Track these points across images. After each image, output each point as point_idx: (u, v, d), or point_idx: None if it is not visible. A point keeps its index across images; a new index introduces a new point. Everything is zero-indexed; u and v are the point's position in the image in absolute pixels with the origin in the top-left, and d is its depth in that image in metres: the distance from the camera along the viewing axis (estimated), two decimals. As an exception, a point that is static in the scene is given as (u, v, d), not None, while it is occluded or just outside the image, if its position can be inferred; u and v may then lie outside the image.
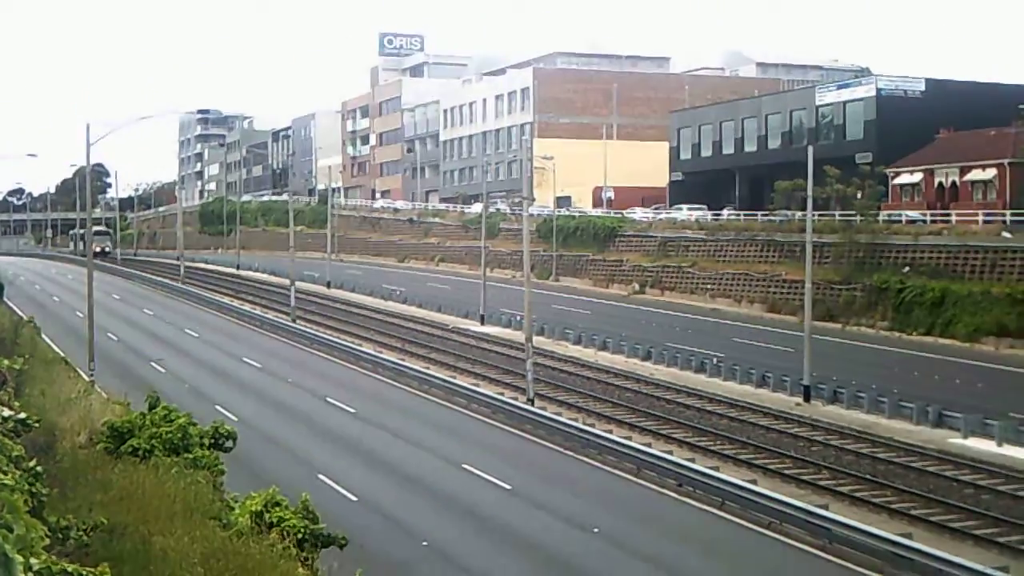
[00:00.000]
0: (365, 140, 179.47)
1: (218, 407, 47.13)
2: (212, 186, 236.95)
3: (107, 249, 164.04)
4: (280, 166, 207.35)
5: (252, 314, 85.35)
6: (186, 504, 21.98)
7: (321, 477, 36.07)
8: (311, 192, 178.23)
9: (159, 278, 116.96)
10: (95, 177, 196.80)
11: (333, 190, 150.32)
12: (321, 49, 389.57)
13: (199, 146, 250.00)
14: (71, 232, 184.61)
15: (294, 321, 79.35)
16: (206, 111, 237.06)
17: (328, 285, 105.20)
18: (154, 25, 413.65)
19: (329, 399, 51.49)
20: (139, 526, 19.43)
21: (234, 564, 18.74)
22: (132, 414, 30.50)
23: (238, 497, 24.67)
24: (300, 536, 22.24)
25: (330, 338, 70.71)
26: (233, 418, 43.22)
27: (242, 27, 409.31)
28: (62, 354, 57.74)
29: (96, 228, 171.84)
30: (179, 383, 54.76)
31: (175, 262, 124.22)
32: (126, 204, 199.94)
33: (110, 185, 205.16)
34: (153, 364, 61.52)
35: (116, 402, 37.11)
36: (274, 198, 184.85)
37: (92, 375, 50.46)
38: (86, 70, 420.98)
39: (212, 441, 29.03)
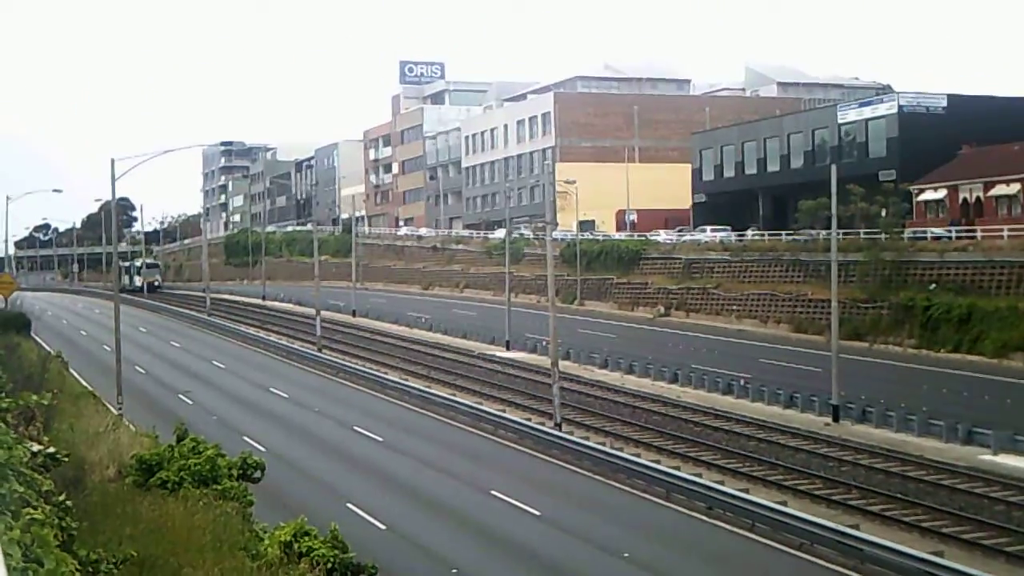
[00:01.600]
0: (388, 168, 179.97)
1: (246, 438, 47.21)
2: (237, 217, 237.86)
3: (157, 283, 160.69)
4: (304, 196, 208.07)
5: (278, 344, 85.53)
6: (215, 535, 22.02)
7: (350, 506, 36.06)
8: (335, 221, 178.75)
9: (185, 310, 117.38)
10: (120, 211, 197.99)
11: (357, 219, 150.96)
12: (343, 79, 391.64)
13: (223, 178, 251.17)
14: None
15: (320, 350, 79.46)
16: (229, 143, 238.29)
17: (353, 314, 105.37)
18: (177, 58, 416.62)
19: (356, 428, 51.51)
20: (169, 558, 19.47)
21: (264, 595, 18.77)
22: (160, 447, 30.61)
23: (267, 528, 24.69)
24: (330, 566, 22.25)
25: (356, 367, 70.78)
26: (261, 449, 43.31)
27: (264, 58, 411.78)
28: (90, 388, 58.07)
29: (145, 261, 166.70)
30: (207, 415, 54.90)
31: (201, 294, 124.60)
32: (152, 237, 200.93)
33: (136, 219, 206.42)
34: (181, 396, 61.70)
35: (144, 435, 37.23)
36: (298, 228, 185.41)
37: (120, 408, 50.62)
38: (110, 104, 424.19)
39: (240, 472, 29.10)
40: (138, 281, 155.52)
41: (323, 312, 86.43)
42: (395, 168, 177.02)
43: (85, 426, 37.12)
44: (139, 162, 56.89)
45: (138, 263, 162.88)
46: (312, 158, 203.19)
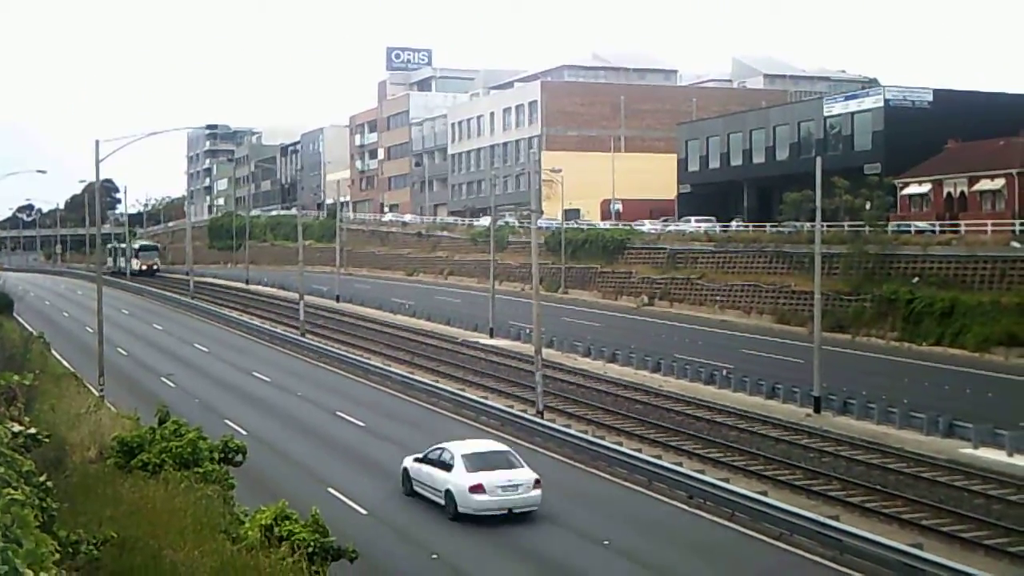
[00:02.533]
0: (373, 154, 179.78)
1: (228, 421, 47.16)
2: (221, 201, 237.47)
3: (156, 267, 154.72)
4: (289, 181, 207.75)
5: (261, 328, 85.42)
6: (196, 518, 21.99)
7: (331, 490, 36.03)
8: (319, 206, 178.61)
9: (168, 293, 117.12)
10: (104, 193, 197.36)
11: (341, 204, 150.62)
12: (329, 64, 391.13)
13: (208, 161, 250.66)
14: (110, 247, 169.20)
15: (303, 335, 79.39)
16: (215, 126, 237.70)
17: (337, 299, 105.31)
18: (162, 41, 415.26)
19: (338, 413, 51.46)
20: (149, 540, 19.44)
21: (244, 578, 18.75)
22: (142, 429, 30.55)
23: (248, 511, 24.66)
24: (310, 550, 22.23)
25: (339, 352, 70.75)
26: (243, 432, 43.26)
27: (250, 42, 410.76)
28: (72, 369, 57.99)
29: (143, 243, 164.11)
30: (189, 397, 54.80)
31: (184, 277, 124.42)
32: (135, 220, 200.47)
33: (119, 201, 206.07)
34: (163, 379, 61.58)
35: (126, 417, 37.19)
36: (283, 213, 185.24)
37: (102, 390, 50.54)
38: (95, 86, 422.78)
39: (222, 455, 29.07)
40: (136, 264, 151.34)
41: (306, 297, 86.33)
42: (380, 154, 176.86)
43: (67, 407, 37.10)
44: (124, 144, 56.75)
45: (136, 245, 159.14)
46: (297, 143, 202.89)
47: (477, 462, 34.19)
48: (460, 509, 33.25)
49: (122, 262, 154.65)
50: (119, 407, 44.14)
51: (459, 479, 33.51)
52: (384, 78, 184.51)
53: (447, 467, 34.37)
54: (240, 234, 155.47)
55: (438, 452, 35.37)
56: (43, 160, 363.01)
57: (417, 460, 36.17)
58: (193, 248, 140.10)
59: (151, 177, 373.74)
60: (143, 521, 20.86)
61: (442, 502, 34.03)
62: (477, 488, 33.01)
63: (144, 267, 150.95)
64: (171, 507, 22.50)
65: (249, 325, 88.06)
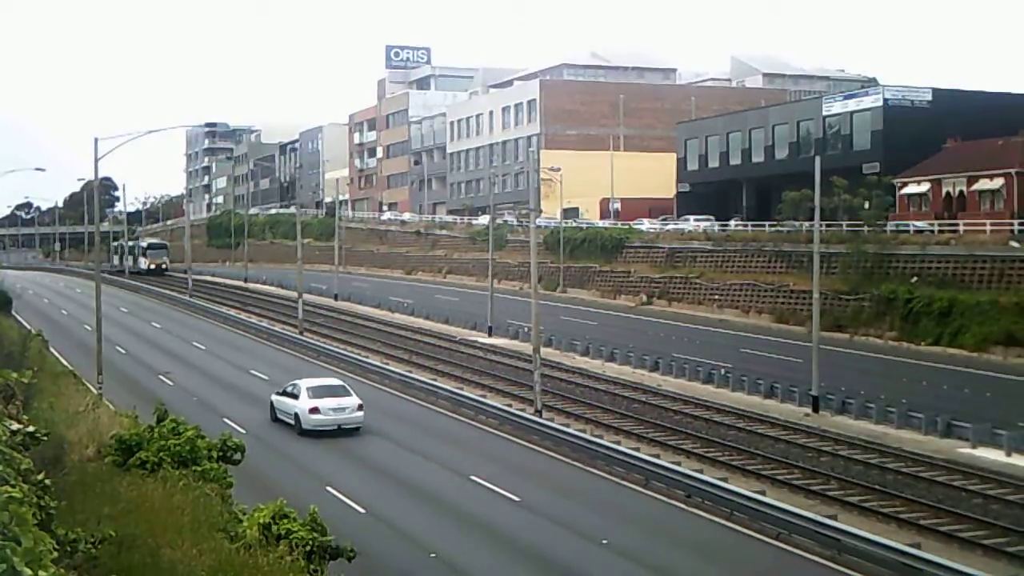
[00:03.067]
0: (372, 152, 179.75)
1: (226, 419, 47.14)
2: (220, 199, 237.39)
3: (164, 266, 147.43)
4: (288, 179, 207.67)
5: (259, 327, 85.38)
6: (194, 516, 21.98)
7: (329, 489, 36.03)
8: (318, 205, 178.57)
9: (167, 291, 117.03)
10: (103, 191, 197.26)
11: (340, 202, 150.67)
12: (328, 62, 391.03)
13: (207, 159, 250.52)
14: (117, 244, 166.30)
15: (301, 333, 79.37)
16: (213, 124, 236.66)
17: (336, 297, 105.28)
18: (161, 38, 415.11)
19: (337, 411, 51.36)
20: (147, 539, 19.43)
21: (242, 576, 18.75)
22: (140, 427, 30.54)
23: (246, 509, 24.65)
24: (308, 548, 22.22)
25: (337, 350, 70.72)
26: (241, 431, 43.25)
27: (250, 40, 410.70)
28: (70, 367, 57.91)
29: (151, 241, 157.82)
30: (187, 396, 54.76)
31: (183, 275, 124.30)
32: (134, 218, 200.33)
33: (118, 199, 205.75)
34: (161, 377, 61.55)
35: (124, 415, 37.14)
36: (282, 211, 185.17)
37: (100, 388, 50.49)
38: (94, 84, 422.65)
39: (220, 454, 29.06)
40: (143, 263, 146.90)
41: (305, 295, 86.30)
42: (379, 152, 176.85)
43: (65, 405, 37.05)
44: (122, 142, 56.74)
45: (143, 243, 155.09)
46: (296, 141, 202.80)
47: (317, 392, 46.45)
48: (304, 426, 45.26)
49: (129, 261, 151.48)
50: (117, 405, 44.09)
51: (302, 404, 45.81)
52: (383, 76, 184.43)
53: (295, 396, 46.48)
54: (239, 232, 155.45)
55: (291, 387, 47.71)
56: (42, 158, 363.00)
57: (277, 394, 48.28)
58: (192, 246, 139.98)
59: (150, 175, 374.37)
60: (141, 519, 20.85)
61: (292, 423, 46.06)
62: (314, 410, 45.43)
63: (153, 266, 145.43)
64: (169, 505, 22.49)
65: (248, 323, 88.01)
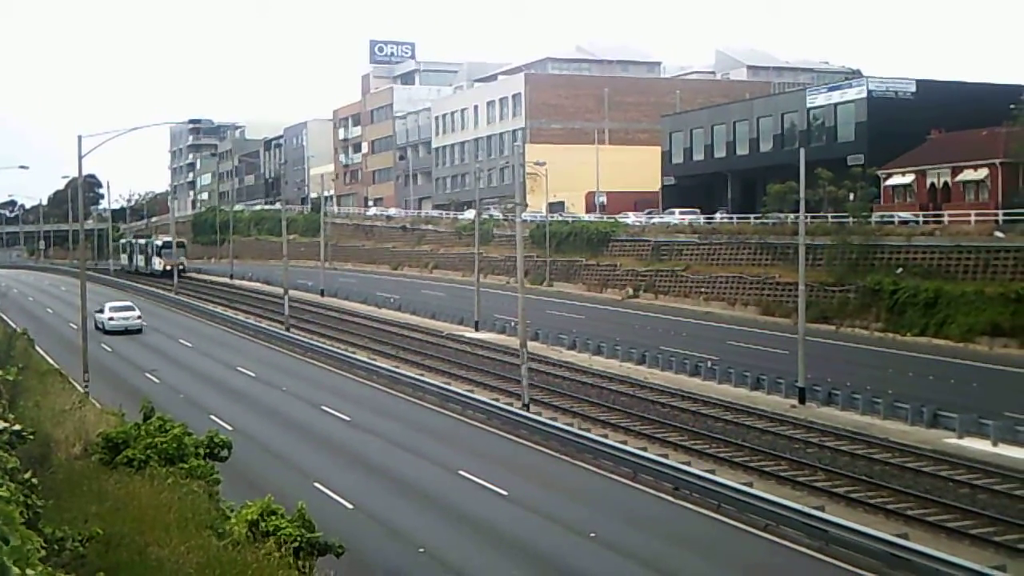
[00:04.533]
0: (357, 148, 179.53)
1: (213, 417, 47.07)
2: (204, 196, 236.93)
3: (183, 266, 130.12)
4: (272, 175, 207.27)
5: (246, 323, 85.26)
6: (182, 514, 21.94)
7: (317, 485, 36.01)
8: (304, 201, 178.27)
9: (152, 288, 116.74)
10: (87, 188, 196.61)
11: (326, 198, 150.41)
12: (312, 58, 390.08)
13: (191, 156, 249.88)
14: (126, 242, 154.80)
15: (288, 330, 79.26)
16: (197, 121, 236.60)
17: (322, 293, 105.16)
18: (145, 35, 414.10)
19: (324, 407, 51.43)
20: (135, 536, 19.40)
21: (230, 573, 18.71)
22: (127, 425, 30.48)
23: (234, 506, 24.62)
24: (297, 545, 22.19)
25: (324, 346, 70.65)
26: (228, 427, 43.21)
27: (233, 37, 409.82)
28: (56, 366, 57.75)
29: (166, 239, 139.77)
30: (173, 393, 54.68)
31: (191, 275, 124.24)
32: (118, 215, 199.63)
33: (102, 196, 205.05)
34: (147, 375, 61.44)
35: (111, 413, 37.09)
36: (267, 207, 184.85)
37: (86, 386, 50.37)
38: (77, 81, 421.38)
39: (207, 451, 29.01)
40: (157, 264, 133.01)
41: (291, 291, 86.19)
42: (364, 148, 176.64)
43: (51, 404, 36.94)
44: (106, 139, 56.45)
45: (158, 242, 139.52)
46: (281, 137, 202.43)
47: (114, 309, 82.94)
48: (106, 328, 79.33)
49: (139, 261, 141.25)
50: (104, 403, 44.03)
51: (105, 316, 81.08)
52: (367, 71, 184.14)
53: (102, 312, 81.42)
54: (224, 229, 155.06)
55: (100, 307, 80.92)
56: (26, 155, 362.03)
57: (96, 312, 77.80)
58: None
59: (134, 172, 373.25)
60: (128, 517, 20.81)
61: (100, 327, 78.51)
62: (111, 319, 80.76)
63: (169, 267, 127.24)
64: (156, 503, 22.44)
65: (234, 320, 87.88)
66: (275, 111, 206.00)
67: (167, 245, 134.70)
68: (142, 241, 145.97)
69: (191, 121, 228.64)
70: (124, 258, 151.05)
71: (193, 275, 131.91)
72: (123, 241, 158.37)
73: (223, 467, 29.08)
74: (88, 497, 22.30)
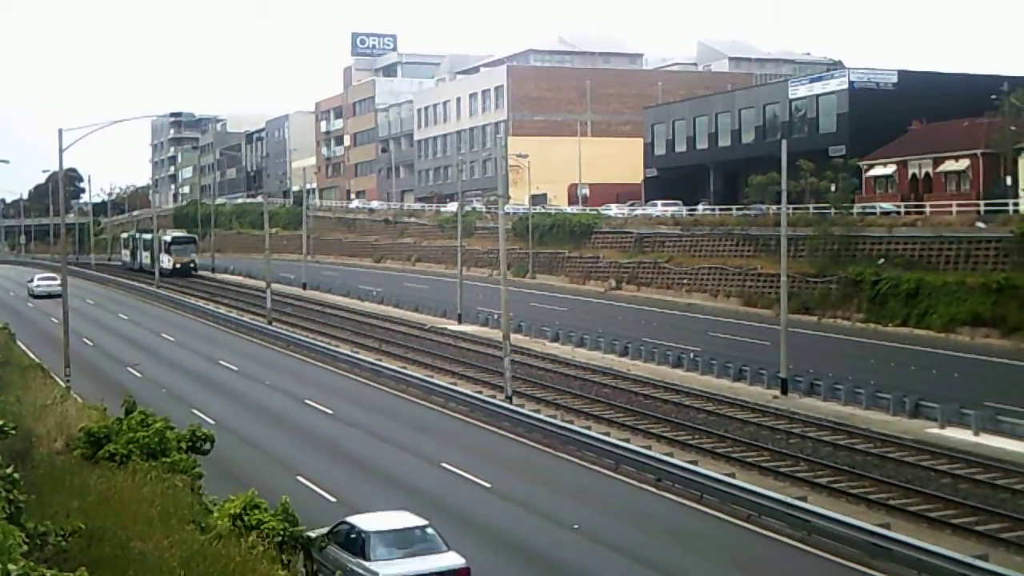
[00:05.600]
0: (339, 141, 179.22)
1: (195, 411, 46.96)
2: (186, 189, 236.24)
3: (193, 264, 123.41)
4: (254, 168, 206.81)
5: (228, 317, 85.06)
6: (164, 508, 21.95)
7: (300, 479, 35.98)
8: (286, 194, 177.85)
9: (134, 282, 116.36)
10: (68, 182, 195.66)
11: (308, 191, 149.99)
12: (294, 50, 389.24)
13: (172, 149, 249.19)
14: (128, 236, 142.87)
15: (270, 323, 79.11)
16: (179, 114, 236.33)
17: (304, 287, 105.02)
18: (126, 28, 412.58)
19: (307, 401, 51.36)
20: (117, 531, 19.39)
21: (214, 567, 18.71)
22: (109, 419, 30.46)
23: (217, 500, 24.61)
24: (280, 539, 22.19)
25: (307, 340, 70.54)
26: (210, 421, 43.14)
27: (215, 29, 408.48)
28: (37, 360, 57.64)
29: (176, 234, 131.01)
30: (155, 387, 54.54)
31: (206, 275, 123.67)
32: (99, 209, 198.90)
33: (83, 190, 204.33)
34: (129, 369, 61.27)
35: (92, 407, 37.01)
36: (248, 200, 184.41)
37: (68, 381, 50.23)
38: (58, 75, 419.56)
39: (190, 445, 29.00)
40: (166, 261, 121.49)
41: (273, 285, 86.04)
42: (347, 140, 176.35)
43: (33, 399, 36.91)
44: (87, 133, 56.35)
45: (166, 237, 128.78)
46: (263, 130, 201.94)
47: (42, 278, 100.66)
48: (33, 294, 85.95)
49: (144, 258, 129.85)
50: (85, 398, 43.92)
51: (33, 284, 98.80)
52: (349, 64, 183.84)
53: (32, 281, 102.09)
54: (206, 222, 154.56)
55: (31, 277, 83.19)
56: (6, 149, 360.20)
57: (27, 282, 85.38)
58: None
59: (116, 166, 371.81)
60: (111, 512, 20.80)
61: (30, 292, 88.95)
62: (38, 285, 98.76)
63: (178, 264, 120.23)
64: (139, 497, 22.43)
65: (216, 314, 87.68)
66: (257, 104, 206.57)
67: (177, 241, 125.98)
68: (147, 235, 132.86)
69: (172, 114, 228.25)
70: (126, 254, 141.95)
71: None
72: (125, 236, 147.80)
73: (206, 461, 29.08)
74: (70, 492, 22.28)
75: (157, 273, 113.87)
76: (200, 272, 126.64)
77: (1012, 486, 34.83)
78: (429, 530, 25.17)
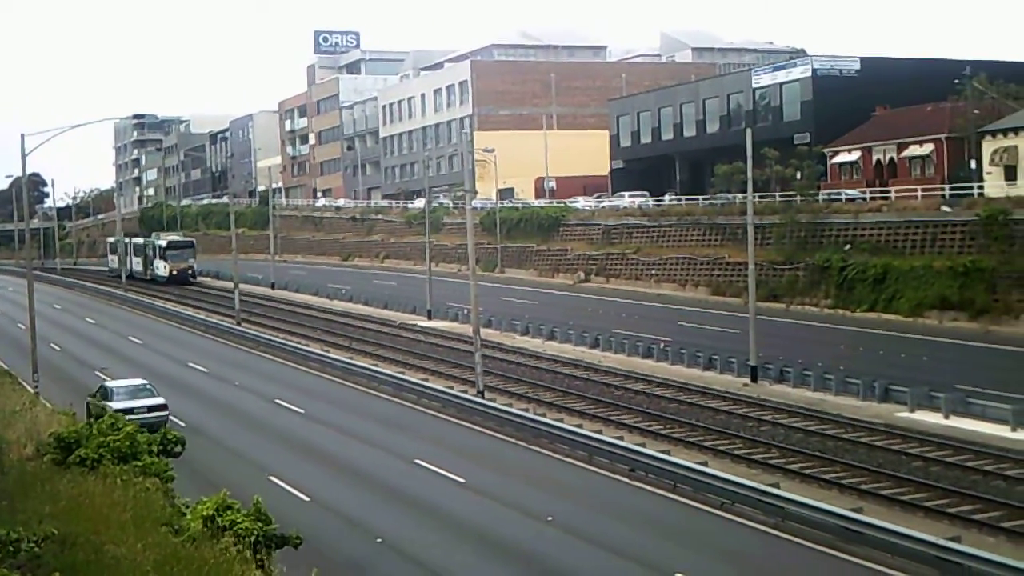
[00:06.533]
0: (304, 139, 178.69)
1: (166, 413, 46.71)
2: (151, 191, 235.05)
3: (191, 271, 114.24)
4: (219, 169, 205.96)
5: (196, 318, 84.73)
6: (137, 512, 21.84)
7: (273, 479, 35.88)
8: (251, 194, 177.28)
9: (100, 286, 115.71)
10: (32, 187, 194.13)
11: (274, 191, 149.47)
12: (256, 49, 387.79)
13: (136, 151, 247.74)
14: (115, 241, 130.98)
15: (239, 324, 78.83)
16: (141, 116, 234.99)
17: (272, 286, 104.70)
18: (87, 30, 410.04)
19: (278, 400, 51.24)
20: (90, 535, 19.29)
21: (188, 570, 18.64)
22: (78, 424, 30.30)
23: (189, 503, 24.51)
24: (253, 538, 22.11)
25: (276, 339, 70.36)
26: (181, 424, 43.00)
27: (176, 29, 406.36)
28: (4, 367, 57.26)
29: (172, 238, 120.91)
30: (126, 391, 54.16)
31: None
32: (64, 213, 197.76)
33: (47, 194, 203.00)
34: (97, 373, 60.85)
35: (62, 413, 36.82)
36: (214, 201, 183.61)
37: (36, 387, 49.94)
38: (19, 79, 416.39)
39: (161, 447, 28.90)
40: (161, 268, 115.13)
41: (242, 285, 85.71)
42: (312, 139, 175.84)
43: (1, 405, 36.65)
44: (49, 137, 55.92)
45: (161, 242, 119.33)
46: (227, 130, 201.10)
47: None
48: None
49: (135, 264, 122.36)
50: (54, 403, 43.70)
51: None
52: (312, 62, 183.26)
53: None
54: (171, 224, 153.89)
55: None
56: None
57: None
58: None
59: (79, 169, 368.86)
60: (83, 517, 20.69)
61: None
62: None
63: (175, 272, 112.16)
64: (111, 502, 22.32)
65: (184, 316, 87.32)
66: (220, 104, 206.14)
67: (173, 245, 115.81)
68: (139, 240, 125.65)
69: (135, 116, 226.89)
70: (113, 260, 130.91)
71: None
72: (112, 240, 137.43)
73: (177, 463, 28.97)
74: (42, 497, 22.16)
75: (140, 280, 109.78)
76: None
77: (983, 468, 35.06)
78: (148, 386, 45.24)
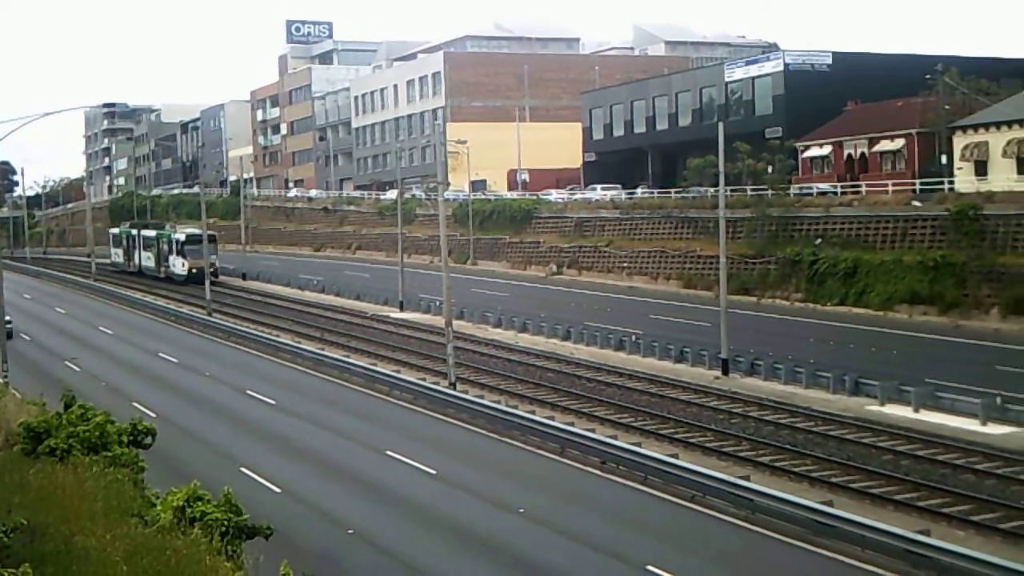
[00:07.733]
0: (276, 129, 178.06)
1: (135, 404, 46.54)
2: (121, 180, 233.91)
3: (215, 269, 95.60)
4: (190, 158, 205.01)
5: (166, 309, 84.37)
6: (107, 502, 21.71)
7: (243, 470, 35.78)
8: (223, 184, 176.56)
9: (70, 276, 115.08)
10: (1, 176, 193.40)
11: (245, 181, 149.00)
12: (228, 39, 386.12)
13: (106, 140, 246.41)
14: (121, 232, 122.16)
15: (210, 315, 78.54)
16: (112, 104, 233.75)
17: (243, 277, 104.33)
18: (57, 17, 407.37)
19: (249, 391, 51.08)
20: (60, 526, 19.17)
21: (158, 560, 18.52)
22: (48, 414, 30.06)
23: (159, 493, 24.38)
24: (224, 529, 22.01)
25: (247, 330, 70.14)
26: (151, 414, 42.78)
27: (147, 18, 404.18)
28: (-27, 356, 56.77)
29: (190, 232, 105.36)
30: (95, 381, 54.02)
31: (86, 259, 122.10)
32: (34, 202, 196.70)
33: (16, 183, 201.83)
34: (67, 363, 60.64)
35: (31, 402, 36.53)
36: (185, 191, 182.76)
37: (5, 376, 49.63)
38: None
39: (131, 438, 28.69)
40: (178, 266, 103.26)
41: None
42: (283, 129, 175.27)
43: (-31, 395, 36.37)
44: (18, 126, 55.79)
45: (179, 236, 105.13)
46: (198, 119, 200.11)
47: None
48: None
49: (146, 260, 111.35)
50: (24, 393, 43.40)
51: None
52: (285, 52, 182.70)
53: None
54: (142, 214, 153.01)
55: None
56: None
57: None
58: (94, 229, 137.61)
59: (49, 158, 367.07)
60: (53, 507, 20.56)
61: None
62: None
63: (195, 269, 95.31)
64: (81, 492, 22.18)
65: (154, 306, 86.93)
66: (191, 93, 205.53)
67: (193, 239, 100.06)
68: (149, 232, 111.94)
69: (105, 105, 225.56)
70: (116, 254, 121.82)
71: (105, 261, 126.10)
72: (116, 231, 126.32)
73: (147, 454, 28.78)
74: (11, 488, 22.00)
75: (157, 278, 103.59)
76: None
77: (952, 461, 35.26)
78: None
